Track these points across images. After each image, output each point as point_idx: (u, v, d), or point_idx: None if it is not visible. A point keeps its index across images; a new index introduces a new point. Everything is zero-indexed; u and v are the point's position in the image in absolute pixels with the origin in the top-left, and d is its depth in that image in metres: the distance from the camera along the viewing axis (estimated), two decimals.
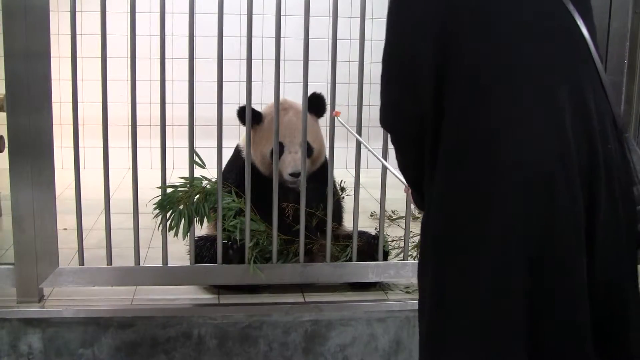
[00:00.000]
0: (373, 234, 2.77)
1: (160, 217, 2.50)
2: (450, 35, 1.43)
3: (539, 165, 1.40)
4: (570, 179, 1.40)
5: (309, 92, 2.62)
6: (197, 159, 2.51)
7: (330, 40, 2.55)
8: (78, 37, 2.43)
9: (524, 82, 1.42)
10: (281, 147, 2.71)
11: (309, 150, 2.74)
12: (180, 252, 2.69)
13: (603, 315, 1.47)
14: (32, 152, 2.40)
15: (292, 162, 2.72)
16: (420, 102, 1.48)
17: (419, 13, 1.46)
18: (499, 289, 1.42)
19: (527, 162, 1.40)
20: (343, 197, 2.89)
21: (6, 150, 2.41)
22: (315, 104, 2.76)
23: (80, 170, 2.51)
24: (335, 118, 2.40)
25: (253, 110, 2.64)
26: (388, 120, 1.57)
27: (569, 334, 1.43)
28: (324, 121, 2.84)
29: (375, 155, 2.17)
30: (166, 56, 2.48)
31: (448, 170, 1.46)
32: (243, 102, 2.58)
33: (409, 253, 2.73)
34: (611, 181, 1.45)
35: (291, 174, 2.71)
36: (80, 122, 2.48)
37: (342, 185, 2.89)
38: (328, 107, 2.77)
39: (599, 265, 1.45)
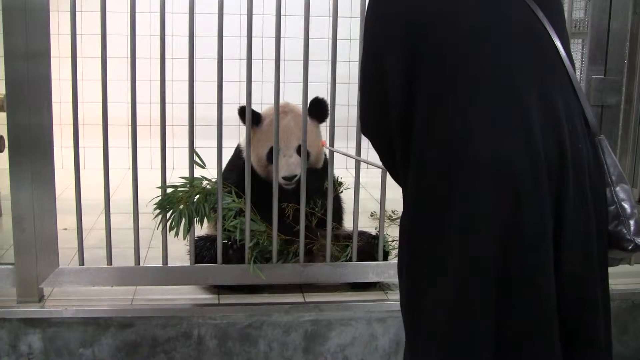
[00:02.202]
0: (373, 234, 2.77)
1: (160, 217, 2.50)
2: (414, 43, 1.46)
3: (505, 166, 1.40)
4: (538, 180, 1.40)
5: (309, 93, 2.62)
6: (197, 159, 2.51)
7: (330, 40, 2.55)
8: (78, 37, 2.43)
9: (488, 85, 1.43)
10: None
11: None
12: (180, 252, 2.69)
13: (571, 314, 1.46)
14: (32, 152, 2.40)
15: (286, 165, 2.71)
16: (388, 110, 1.51)
17: (383, 29, 1.50)
18: (461, 289, 1.43)
19: (492, 163, 1.40)
20: (342, 192, 2.89)
21: (6, 150, 2.41)
22: (317, 109, 2.76)
23: (80, 170, 2.51)
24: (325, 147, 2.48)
25: (253, 112, 2.64)
26: (364, 128, 1.65)
27: (536, 333, 1.43)
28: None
29: (371, 163, 2.24)
30: (166, 56, 2.48)
31: (417, 172, 1.49)
32: (243, 102, 2.58)
33: None
34: (580, 181, 1.45)
35: (284, 177, 2.71)
36: (80, 122, 2.48)
37: (339, 180, 2.88)
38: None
39: (567, 264, 1.44)
